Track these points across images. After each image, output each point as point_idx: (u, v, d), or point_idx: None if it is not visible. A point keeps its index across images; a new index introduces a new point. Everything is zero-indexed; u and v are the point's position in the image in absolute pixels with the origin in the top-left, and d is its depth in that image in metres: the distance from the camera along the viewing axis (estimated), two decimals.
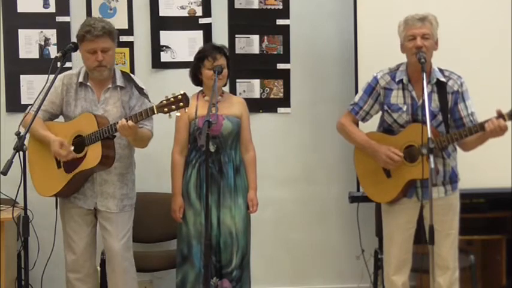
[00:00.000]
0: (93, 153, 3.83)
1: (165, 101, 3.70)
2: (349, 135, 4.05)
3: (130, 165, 4.08)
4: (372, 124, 4.10)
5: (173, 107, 3.67)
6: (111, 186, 3.98)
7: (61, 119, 4.13)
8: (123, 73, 4.10)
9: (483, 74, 4.62)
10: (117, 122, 3.78)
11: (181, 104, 3.67)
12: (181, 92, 3.70)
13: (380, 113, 4.02)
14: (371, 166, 3.94)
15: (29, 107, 4.02)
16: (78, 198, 4.00)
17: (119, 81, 4.02)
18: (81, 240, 3.99)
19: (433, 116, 3.80)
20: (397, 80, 3.90)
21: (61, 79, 4.01)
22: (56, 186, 3.95)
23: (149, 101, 3.95)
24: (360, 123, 4.11)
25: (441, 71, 3.90)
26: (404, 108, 3.87)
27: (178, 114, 3.77)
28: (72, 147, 3.88)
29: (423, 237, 3.70)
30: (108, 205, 3.98)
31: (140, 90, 3.99)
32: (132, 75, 4.15)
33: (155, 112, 3.74)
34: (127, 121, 3.75)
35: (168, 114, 3.72)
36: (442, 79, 3.86)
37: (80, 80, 4.00)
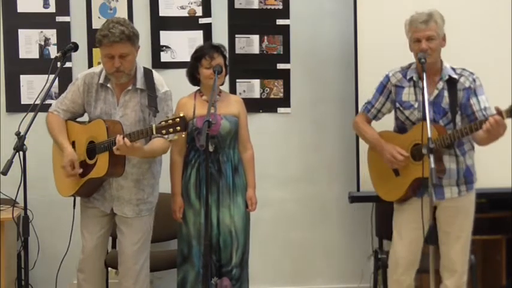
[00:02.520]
0: (101, 163, 3.75)
1: (163, 122, 3.55)
2: (361, 133, 4.10)
3: (148, 170, 3.93)
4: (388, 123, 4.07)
5: (170, 129, 3.52)
6: (127, 192, 3.89)
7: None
8: (146, 72, 3.91)
9: (483, 74, 4.60)
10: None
11: (178, 128, 3.52)
12: (181, 115, 3.55)
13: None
14: (382, 165, 3.94)
15: (50, 106, 3.94)
16: (97, 199, 3.93)
17: (139, 83, 3.85)
18: (92, 240, 3.91)
19: (444, 113, 3.80)
20: (408, 77, 3.91)
21: (83, 78, 3.91)
22: (72, 188, 3.89)
23: (156, 111, 3.75)
24: (380, 122, 4.07)
25: (453, 69, 3.89)
26: (416, 106, 3.87)
27: (175, 137, 3.63)
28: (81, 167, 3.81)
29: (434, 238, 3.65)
30: (124, 210, 3.90)
31: (150, 100, 3.79)
32: (155, 73, 3.96)
33: (154, 133, 3.58)
34: (123, 138, 3.60)
35: (166, 136, 3.62)
36: (454, 76, 3.85)
37: (101, 81, 3.87)
